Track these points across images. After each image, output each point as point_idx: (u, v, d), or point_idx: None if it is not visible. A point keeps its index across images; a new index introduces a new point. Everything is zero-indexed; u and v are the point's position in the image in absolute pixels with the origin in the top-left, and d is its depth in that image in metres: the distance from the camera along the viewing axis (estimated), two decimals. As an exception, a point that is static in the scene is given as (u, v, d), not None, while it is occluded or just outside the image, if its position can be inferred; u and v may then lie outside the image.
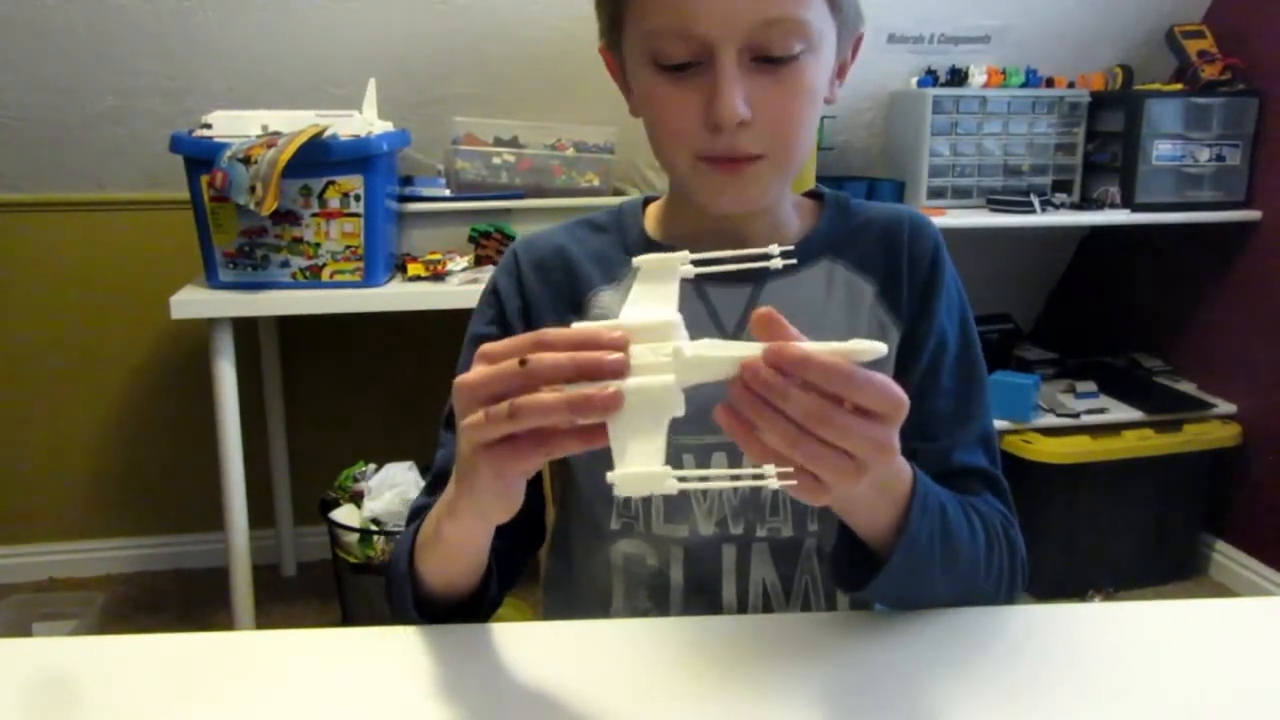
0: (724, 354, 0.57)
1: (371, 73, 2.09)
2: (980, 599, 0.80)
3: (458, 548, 0.75)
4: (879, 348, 0.56)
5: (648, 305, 0.60)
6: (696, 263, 0.61)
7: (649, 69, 0.79)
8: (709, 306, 0.88)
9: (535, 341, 0.59)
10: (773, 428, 0.57)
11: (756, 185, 0.81)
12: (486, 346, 0.62)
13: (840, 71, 0.86)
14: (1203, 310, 2.65)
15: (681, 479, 0.56)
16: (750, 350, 0.57)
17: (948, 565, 0.76)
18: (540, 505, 0.96)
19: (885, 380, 0.57)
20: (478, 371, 0.61)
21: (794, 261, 0.63)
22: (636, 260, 0.62)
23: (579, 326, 0.60)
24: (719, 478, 0.58)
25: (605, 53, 0.88)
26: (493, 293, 0.92)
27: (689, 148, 0.79)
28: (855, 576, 0.76)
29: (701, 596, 0.88)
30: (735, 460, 0.87)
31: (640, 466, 0.57)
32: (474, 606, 0.81)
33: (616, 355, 0.58)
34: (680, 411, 0.58)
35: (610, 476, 0.57)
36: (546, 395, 0.58)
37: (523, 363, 0.59)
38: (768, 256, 0.61)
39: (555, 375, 0.58)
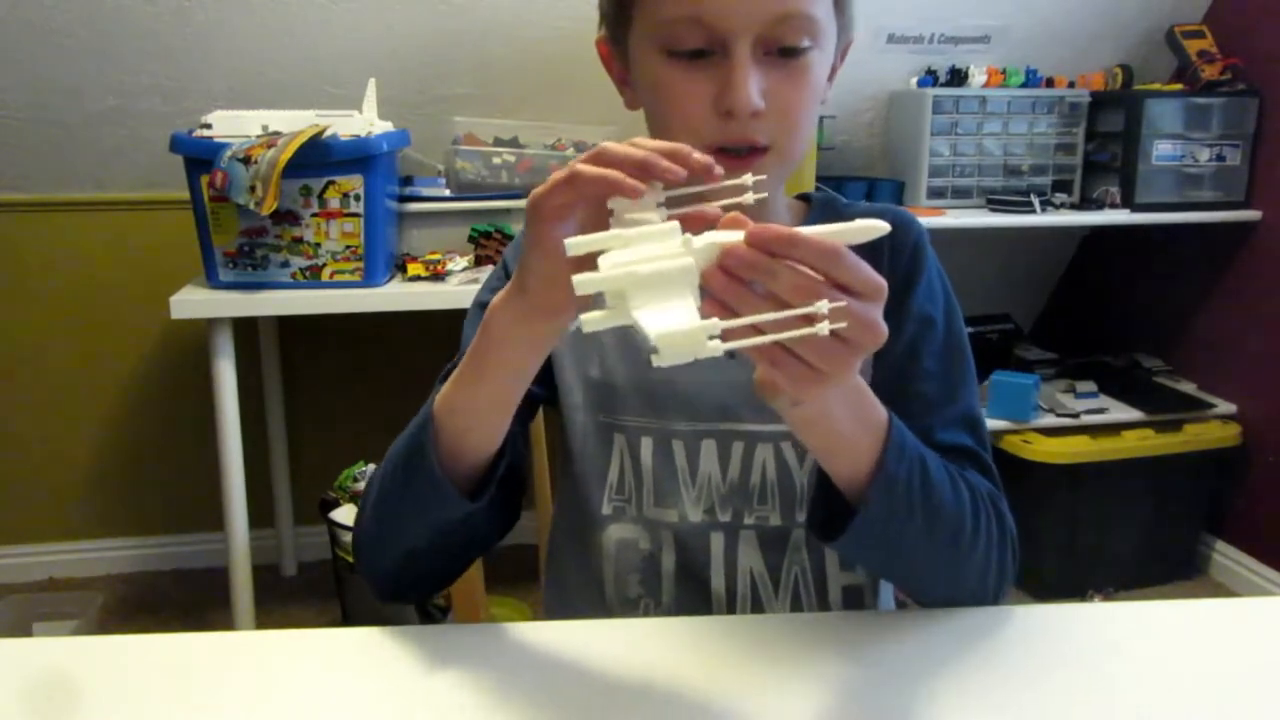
0: (733, 239, 0.56)
1: (371, 73, 2.09)
2: (971, 573, 0.79)
3: (493, 350, 0.70)
4: (881, 225, 0.57)
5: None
6: (671, 201, 0.61)
7: (659, 57, 0.80)
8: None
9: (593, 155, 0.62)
10: (757, 311, 0.56)
11: (762, 181, 0.82)
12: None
13: (830, 75, 0.87)
14: (1203, 310, 2.65)
15: (726, 336, 0.54)
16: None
17: (929, 519, 0.74)
18: (524, 474, 0.92)
19: (859, 261, 0.57)
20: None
21: (764, 195, 0.64)
22: (611, 202, 0.61)
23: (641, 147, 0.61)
24: (768, 326, 0.55)
25: (602, 45, 0.89)
26: (504, 269, 0.93)
27: (698, 137, 0.79)
28: (832, 528, 0.74)
29: (692, 583, 0.89)
30: (724, 447, 0.88)
31: (678, 325, 0.54)
32: (482, 485, 0.77)
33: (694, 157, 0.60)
34: (698, 299, 0.56)
35: (653, 338, 0.53)
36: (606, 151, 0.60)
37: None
38: (741, 190, 0.60)
39: (628, 157, 0.60)
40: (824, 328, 0.55)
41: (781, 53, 0.78)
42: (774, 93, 0.78)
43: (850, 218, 0.90)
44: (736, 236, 0.56)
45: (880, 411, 0.72)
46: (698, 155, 0.60)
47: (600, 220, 0.62)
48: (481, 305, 0.91)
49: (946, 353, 0.88)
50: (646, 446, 0.89)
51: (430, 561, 0.82)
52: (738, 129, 0.78)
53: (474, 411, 0.75)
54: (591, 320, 0.57)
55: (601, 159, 0.61)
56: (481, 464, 0.77)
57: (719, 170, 0.60)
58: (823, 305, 0.55)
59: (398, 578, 0.83)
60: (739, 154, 0.80)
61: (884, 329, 0.59)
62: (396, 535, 0.80)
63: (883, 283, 0.58)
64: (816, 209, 0.93)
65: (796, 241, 0.55)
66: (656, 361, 0.54)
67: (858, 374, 0.67)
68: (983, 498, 0.80)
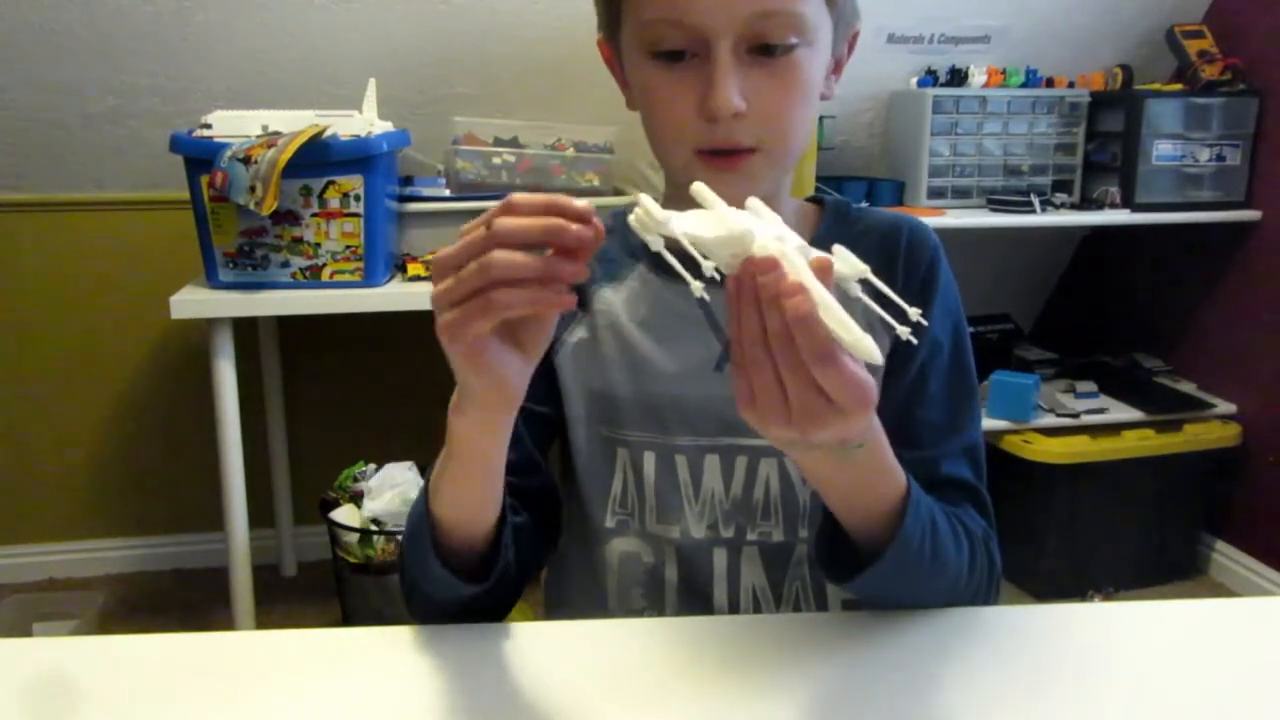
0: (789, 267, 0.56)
1: (371, 73, 2.09)
2: (955, 605, 0.81)
3: (467, 451, 0.71)
4: (874, 355, 0.54)
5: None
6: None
7: (645, 59, 0.79)
8: (707, 310, 0.88)
9: (503, 207, 0.59)
10: (746, 316, 0.57)
11: (751, 180, 0.81)
12: (464, 227, 0.61)
13: (836, 68, 0.86)
14: (1203, 310, 2.65)
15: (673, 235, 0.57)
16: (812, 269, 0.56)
17: (934, 573, 0.76)
18: (558, 494, 0.94)
19: (855, 377, 0.55)
20: (450, 246, 0.61)
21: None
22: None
23: (548, 195, 0.59)
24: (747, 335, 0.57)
25: (603, 45, 0.88)
26: None
27: (685, 141, 0.79)
28: (840, 567, 0.75)
29: (694, 598, 0.89)
30: (728, 462, 0.88)
31: (662, 213, 0.57)
32: (489, 562, 0.77)
33: (580, 226, 0.58)
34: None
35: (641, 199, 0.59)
36: (515, 256, 0.58)
37: (488, 228, 0.59)
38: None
39: (520, 237, 0.58)
40: (696, 291, 0.56)
41: (766, 51, 0.77)
42: (758, 93, 0.77)
43: (863, 228, 0.91)
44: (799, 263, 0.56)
45: (898, 479, 0.72)
46: (572, 211, 0.58)
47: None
48: None
49: (953, 374, 0.87)
50: (649, 461, 0.88)
51: (476, 611, 0.80)
52: (721, 132, 0.77)
53: (463, 502, 0.75)
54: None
55: (506, 268, 0.58)
56: (483, 539, 0.77)
57: (598, 222, 0.59)
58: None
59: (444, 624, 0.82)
60: (726, 155, 0.78)
61: (833, 435, 0.58)
62: (431, 600, 0.80)
63: (866, 399, 0.57)
64: (829, 217, 0.91)
65: (802, 324, 0.54)
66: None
67: (877, 443, 0.67)
68: (979, 543, 0.82)
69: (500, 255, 0.58)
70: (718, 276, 0.56)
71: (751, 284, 0.56)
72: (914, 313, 0.57)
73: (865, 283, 0.60)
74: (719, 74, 0.75)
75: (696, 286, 0.56)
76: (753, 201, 0.62)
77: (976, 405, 0.89)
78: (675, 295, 0.89)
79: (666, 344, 0.88)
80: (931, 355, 0.86)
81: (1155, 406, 2.51)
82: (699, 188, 0.62)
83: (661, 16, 0.77)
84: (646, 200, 0.59)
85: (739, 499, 0.88)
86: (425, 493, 0.77)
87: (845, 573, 0.75)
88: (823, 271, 0.56)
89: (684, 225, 0.58)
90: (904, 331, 0.57)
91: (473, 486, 0.74)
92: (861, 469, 0.69)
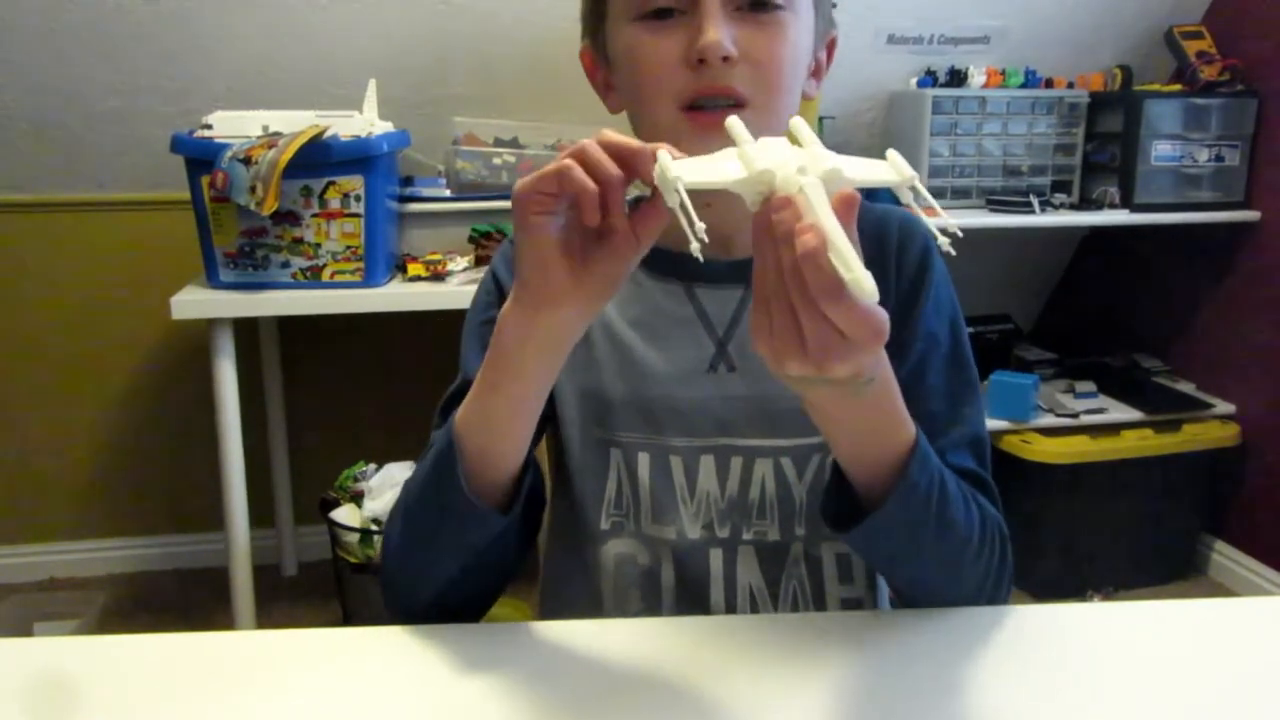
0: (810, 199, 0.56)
1: (371, 73, 2.10)
2: (968, 587, 0.79)
3: (505, 357, 0.71)
4: (873, 294, 0.54)
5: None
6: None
7: (632, 26, 0.80)
8: (698, 307, 0.88)
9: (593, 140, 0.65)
10: (766, 252, 0.58)
11: None
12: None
13: (816, 71, 0.86)
14: (1202, 310, 2.65)
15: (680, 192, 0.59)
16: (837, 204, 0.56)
17: (941, 533, 0.75)
18: (544, 494, 0.93)
19: (864, 311, 0.55)
20: None
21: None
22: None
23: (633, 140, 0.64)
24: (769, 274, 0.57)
25: (586, 54, 0.89)
26: (493, 279, 0.91)
27: (671, 94, 0.78)
28: (845, 520, 0.74)
29: (692, 598, 0.88)
30: (723, 463, 0.88)
31: (676, 167, 0.59)
32: (511, 500, 0.77)
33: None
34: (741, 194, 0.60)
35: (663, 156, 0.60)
36: (604, 155, 0.64)
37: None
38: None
39: (616, 147, 0.64)
40: (694, 250, 0.56)
41: (753, 7, 0.78)
42: (747, 42, 0.77)
43: (862, 216, 0.90)
44: (820, 197, 0.56)
45: (908, 429, 0.72)
46: (650, 150, 0.62)
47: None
48: (478, 325, 0.90)
49: (952, 368, 0.87)
50: (643, 463, 0.88)
51: (465, 589, 0.80)
52: (710, 77, 0.77)
53: (495, 425, 0.74)
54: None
55: (587, 164, 0.64)
56: (506, 480, 0.77)
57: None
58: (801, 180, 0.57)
59: (432, 616, 0.80)
60: (715, 109, 0.77)
61: (847, 365, 0.58)
62: (429, 568, 0.79)
63: (878, 331, 0.56)
64: None
65: (809, 258, 0.54)
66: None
67: (887, 384, 0.68)
68: (990, 523, 0.81)
69: (594, 146, 0.64)
70: (705, 240, 0.57)
71: (769, 221, 0.57)
72: (953, 224, 0.59)
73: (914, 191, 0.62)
74: (708, 18, 0.76)
75: (694, 248, 0.57)
76: (797, 122, 0.64)
77: (979, 398, 0.88)
78: (668, 296, 0.89)
79: (659, 344, 0.88)
80: (929, 349, 0.86)
81: (1154, 406, 2.51)
82: (733, 122, 0.63)
83: None
84: (665, 157, 0.60)
85: (734, 499, 0.87)
86: (448, 435, 0.75)
87: (848, 524, 0.74)
88: (845, 207, 0.56)
89: (703, 174, 0.60)
90: (945, 242, 0.59)
91: (503, 401, 0.73)
92: (871, 410, 0.69)
